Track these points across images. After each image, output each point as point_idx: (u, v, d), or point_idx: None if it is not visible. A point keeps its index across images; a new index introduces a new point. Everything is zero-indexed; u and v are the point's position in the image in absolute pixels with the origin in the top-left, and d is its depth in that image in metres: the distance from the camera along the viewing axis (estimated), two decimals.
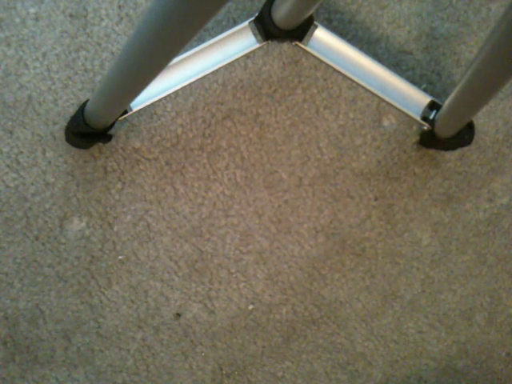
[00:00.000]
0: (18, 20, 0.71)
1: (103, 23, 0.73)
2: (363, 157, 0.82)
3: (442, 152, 0.80)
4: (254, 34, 0.66)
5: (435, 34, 0.79)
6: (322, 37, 0.67)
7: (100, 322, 0.79)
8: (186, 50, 0.69)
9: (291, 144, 0.82)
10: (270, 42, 0.65)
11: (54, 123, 0.72)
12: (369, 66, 0.69)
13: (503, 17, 0.49)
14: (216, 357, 0.82)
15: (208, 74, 0.69)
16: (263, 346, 0.79)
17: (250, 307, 0.82)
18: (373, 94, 0.69)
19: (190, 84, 0.70)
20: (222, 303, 0.81)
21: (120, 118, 0.66)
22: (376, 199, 0.79)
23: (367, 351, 0.85)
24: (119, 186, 0.74)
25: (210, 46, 0.67)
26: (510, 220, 0.83)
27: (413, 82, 0.76)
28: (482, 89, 0.60)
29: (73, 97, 0.73)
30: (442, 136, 0.72)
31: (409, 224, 0.84)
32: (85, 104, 0.66)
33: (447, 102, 0.68)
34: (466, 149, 0.80)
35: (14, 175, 0.72)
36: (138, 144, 0.74)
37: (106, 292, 0.79)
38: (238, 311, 0.82)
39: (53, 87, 0.72)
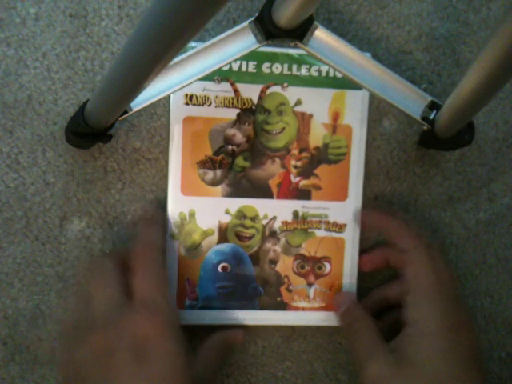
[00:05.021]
0: (18, 20, 0.71)
1: (103, 23, 0.73)
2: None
3: (442, 152, 0.80)
4: (254, 34, 0.66)
5: (435, 33, 0.79)
6: (322, 37, 0.67)
7: None
8: (186, 50, 0.69)
9: None
10: (270, 41, 0.65)
11: (54, 123, 0.72)
12: (369, 66, 0.69)
13: (503, 17, 0.49)
14: None
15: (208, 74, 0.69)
16: (263, 346, 0.79)
17: None
18: (373, 94, 0.69)
19: (189, 84, 0.70)
20: None
21: (120, 118, 0.66)
22: (376, 199, 0.79)
23: None
24: (119, 185, 0.74)
25: (210, 46, 0.67)
26: (510, 220, 0.83)
27: (413, 82, 0.76)
28: (482, 89, 0.60)
29: (73, 97, 0.73)
30: (442, 136, 0.72)
31: None
32: (85, 104, 0.65)
33: (447, 102, 0.68)
34: (465, 149, 0.80)
35: (14, 175, 0.72)
36: (138, 144, 0.74)
37: None
38: None
39: (53, 87, 0.72)
